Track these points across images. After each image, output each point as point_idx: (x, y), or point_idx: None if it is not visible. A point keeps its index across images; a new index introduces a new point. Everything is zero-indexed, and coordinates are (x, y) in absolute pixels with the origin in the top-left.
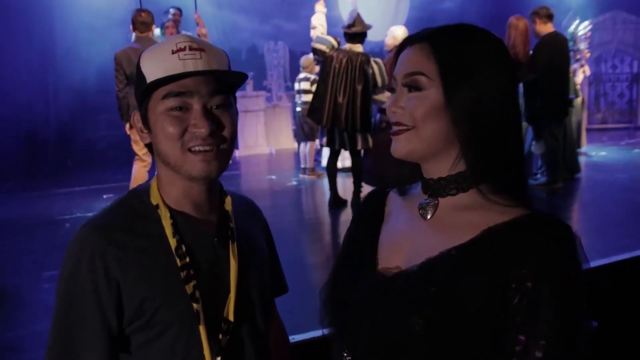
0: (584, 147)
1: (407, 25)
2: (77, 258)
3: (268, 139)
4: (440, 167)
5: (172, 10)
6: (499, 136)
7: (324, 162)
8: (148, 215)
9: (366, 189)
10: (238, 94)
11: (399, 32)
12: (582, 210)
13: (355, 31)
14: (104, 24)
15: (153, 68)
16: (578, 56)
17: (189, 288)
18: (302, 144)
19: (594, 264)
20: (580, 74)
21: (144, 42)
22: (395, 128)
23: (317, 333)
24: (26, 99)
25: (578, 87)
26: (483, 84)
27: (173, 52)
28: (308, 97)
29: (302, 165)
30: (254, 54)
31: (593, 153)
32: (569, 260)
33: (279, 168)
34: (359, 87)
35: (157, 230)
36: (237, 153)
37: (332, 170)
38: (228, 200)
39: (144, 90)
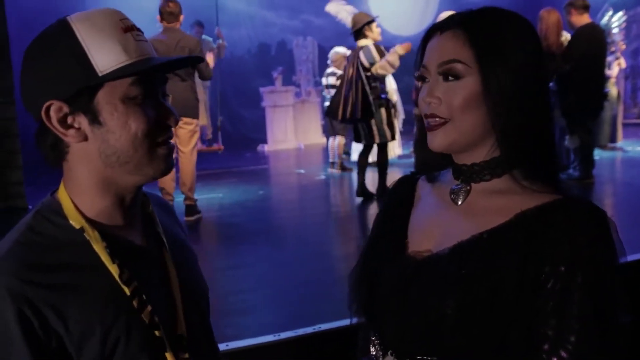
0: (620, 142)
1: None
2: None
3: (297, 134)
4: (475, 155)
5: (195, 29)
6: (534, 121)
7: (354, 156)
8: (70, 241)
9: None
10: (267, 89)
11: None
12: (617, 204)
13: (352, 31)
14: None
15: (107, 48)
16: (613, 48)
17: (146, 316)
18: (331, 139)
19: (630, 258)
20: (616, 67)
21: (171, 33)
22: (430, 121)
23: (344, 322)
24: None
25: (613, 80)
26: (517, 68)
27: (124, 31)
28: None
29: (331, 160)
30: (283, 49)
31: (629, 148)
32: (603, 245)
33: (308, 162)
34: (355, 78)
35: (89, 258)
36: (266, 148)
37: (361, 162)
38: (149, 202)
39: (107, 76)
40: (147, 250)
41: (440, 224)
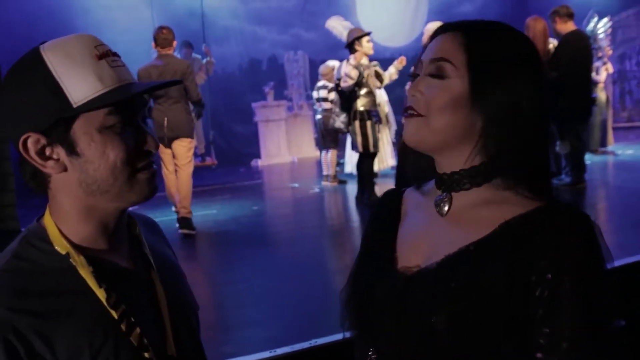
0: (611, 146)
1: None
2: None
3: (290, 147)
4: (454, 162)
5: (184, 50)
6: (524, 139)
7: (347, 168)
8: (56, 267)
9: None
10: (258, 104)
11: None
12: (610, 208)
13: (345, 46)
14: (126, 39)
15: (81, 78)
16: (600, 54)
17: (135, 339)
18: (324, 152)
19: (621, 262)
20: (603, 72)
21: (165, 58)
22: (407, 112)
23: (340, 336)
24: None
25: (601, 85)
26: (514, 87)
27: (99, 58)
28: (328, 105)
29: (325, 173)
30: (274, 64)
31: (620, 152)
32: (588, 250)
33: (301, 176)
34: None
35: (75, 283)
36: (259, 162)
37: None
38: (136, 224)
39: (80, 107)
40: (134, 272)
41: (427, 237)
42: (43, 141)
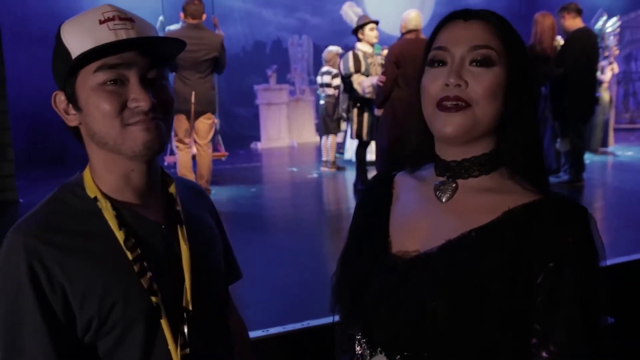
0: (611, 147)
1: (432, 21)
2: (13, 267)
3: (290, 132)
4: (467, 150)
5: None
6: (535, 128)
7: (347, 155)
8: (87, 210)
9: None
10: (261, 86)
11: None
12: (606, 207)
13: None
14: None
15: (79, 40)
16: (606, 53)
17: (145, 282)
18: (324, 137)
19: (617, 260)
20: (609, 72)
21: (198, 30)
22: (450, 104)
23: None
24: (54, 90)
25: (605, 85)
26: (526, 67)
27: (101, 22)
28: (331, 91)
29: (324, 159)
30: (278, 47)
31: (619, 153)
32: (588, 241)
33: (301, 161)
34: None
35: (100, 226)
36: (259, 145)
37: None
38: (172, 183)
39: (73, 65)
40: (160, 225)
41: (425, 222)
42: (63, 98)
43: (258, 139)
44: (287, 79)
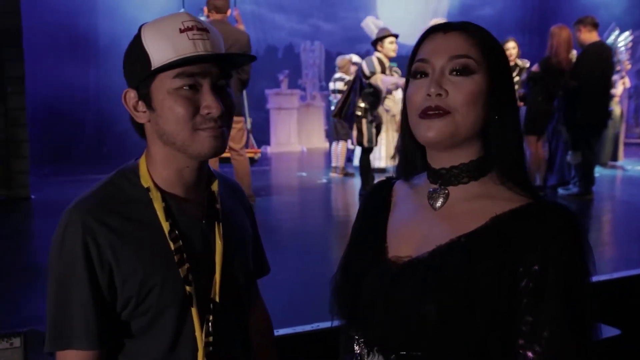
0: (621, 161)
1: None
2: (69, 240)
3: (300, 137)
4: (455, 156)
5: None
6: (519, 133)
7: (356, 161)
8: (138, 198)
9: None
10: (272, 91)
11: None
12: (615, 221)
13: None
14: (146, 17)
15: (159, 46)
16: (618, 67)
17: (183, 271)
18: (334, 143)
19: (625, 273)
20: (620, 86)
21: (222, 25)
22: (430, 113)
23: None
24: (67, 88)
25: (617, 99)
26: (507, 74)
27: (181, 31)
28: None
29: (333, 164)
30: (290, 52)
31: (629, 167)
32: (574, 246)
33: (310, 166)
34: (352, 84)
35: (149, 214)
36: (268, 149)
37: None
38: (215, 181)
39: (156, 70)
40: (201, 221)
41: (418, 228)
42: (135, 96)
43: (268, 143)
44: (298, 84)
